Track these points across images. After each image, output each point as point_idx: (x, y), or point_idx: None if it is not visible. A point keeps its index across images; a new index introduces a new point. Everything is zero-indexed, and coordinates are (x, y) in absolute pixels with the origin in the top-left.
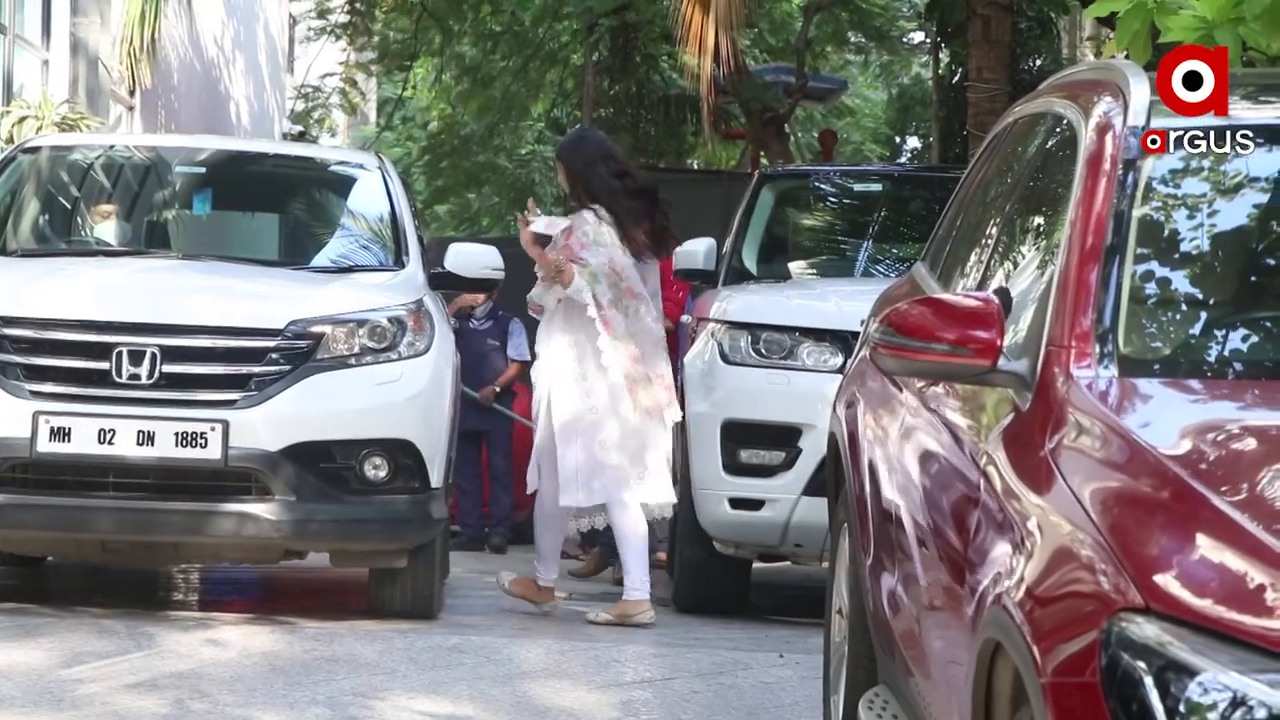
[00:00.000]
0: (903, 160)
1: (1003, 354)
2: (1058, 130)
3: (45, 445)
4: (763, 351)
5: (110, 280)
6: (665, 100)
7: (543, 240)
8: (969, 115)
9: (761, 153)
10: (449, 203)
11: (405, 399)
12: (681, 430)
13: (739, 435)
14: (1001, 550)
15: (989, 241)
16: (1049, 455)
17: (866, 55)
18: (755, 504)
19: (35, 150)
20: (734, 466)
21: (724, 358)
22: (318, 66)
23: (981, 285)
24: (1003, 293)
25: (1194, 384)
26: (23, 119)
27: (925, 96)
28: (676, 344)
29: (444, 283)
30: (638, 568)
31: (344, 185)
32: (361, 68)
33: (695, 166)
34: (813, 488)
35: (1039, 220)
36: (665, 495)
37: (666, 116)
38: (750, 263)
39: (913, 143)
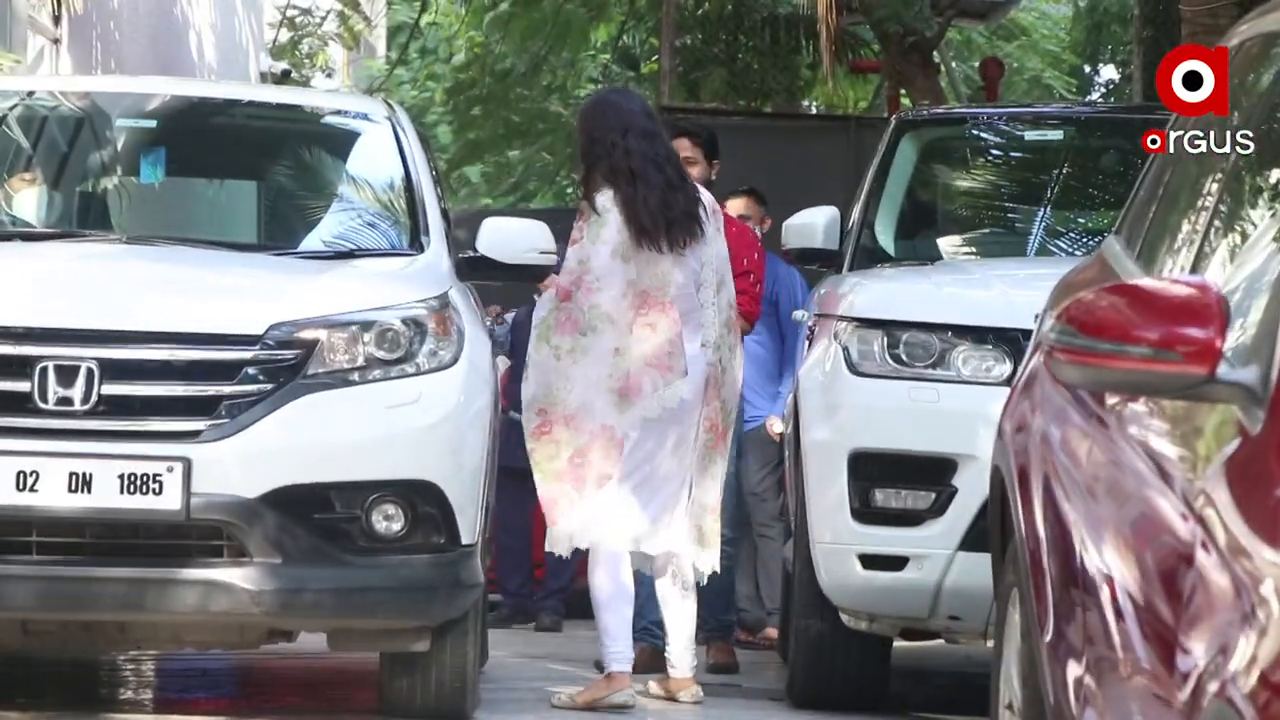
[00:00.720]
0: (1093, 97)
1: (1225, 359)
2: None
3: None
4: (904, 358)
5: (31, 272)
6: (771, 22)
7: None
8: (1182, 35)
9: (902, 91)
10: (483, 162)
11: (426, 427)
12: (795, 464)
13: (873, 470)
14: (1225, 624)
15: (1207, 207)
16: None
17: None
18: (896, 562)
19: None
20: (867, 512)
21: (852, 367)
22: None
23: (1196, 267)
24: (1222, 301)
25: None
26: None
27: (1124, 11)
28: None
29: (477, 271)
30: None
31: (343, 142)
32: None
33: (813, 110)
34: (972, 540)
35: (1277, 177)
36: (637, 540)
37: (774, 44)
38: (886, 239)
39: (1107, 73)
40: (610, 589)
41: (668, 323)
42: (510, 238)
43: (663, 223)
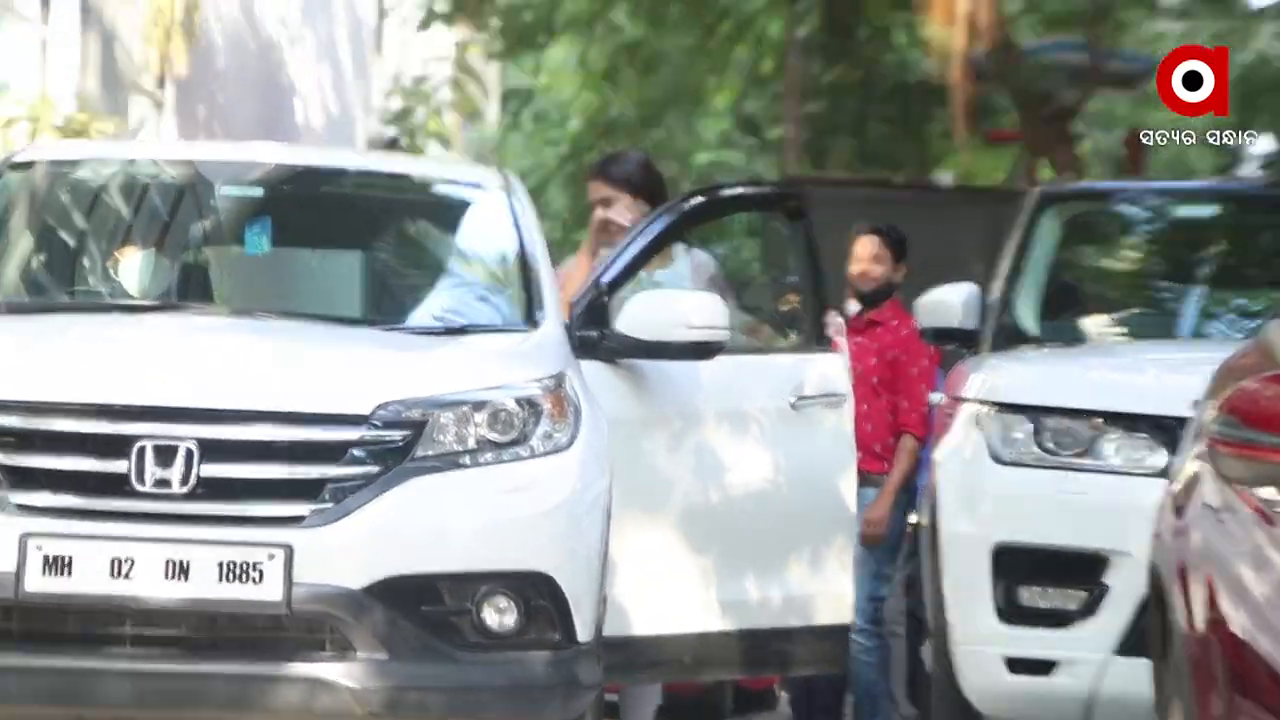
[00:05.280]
0: (1247, 171)
1: None
2: None
3: (36, 582)
4: (1050, 446)
5: (129, 347)
6: (902, 90)
7: None
8: None
9: (1041, 163)
10: None
11: (540, 514)
12: (931, 558)
13: (1018, 567)
14: None
15: None
16: None
17: (1190, 20)
18: (1044, 666)
19: (27, 165)
20: (1012, 612)
21: (994, 455)
22: (418, 47)
23: None
24: None
25: None
26: (11, 121)
27: (1278, 79)
28: None
29: (608, 350)
30: None
31: (454, 213)
32: (481, 48)
33: (946, 183)
34: (1129, 644)
35: None
36: None
37: (904, 113)
38: (1028, 318)
39: (1264, 144)
40: None
41: None
42: (653, 311)
43: None
